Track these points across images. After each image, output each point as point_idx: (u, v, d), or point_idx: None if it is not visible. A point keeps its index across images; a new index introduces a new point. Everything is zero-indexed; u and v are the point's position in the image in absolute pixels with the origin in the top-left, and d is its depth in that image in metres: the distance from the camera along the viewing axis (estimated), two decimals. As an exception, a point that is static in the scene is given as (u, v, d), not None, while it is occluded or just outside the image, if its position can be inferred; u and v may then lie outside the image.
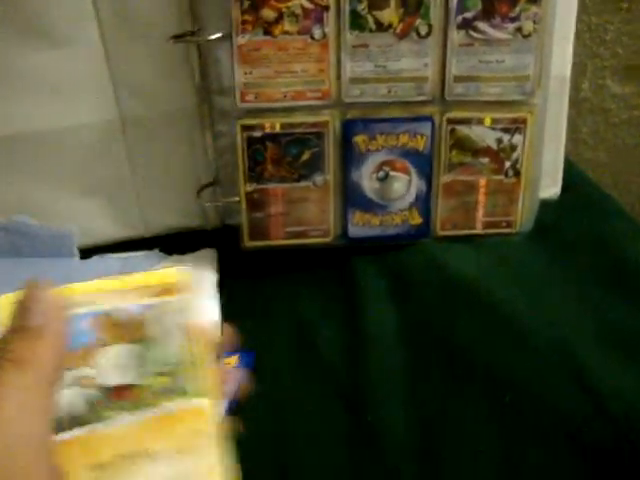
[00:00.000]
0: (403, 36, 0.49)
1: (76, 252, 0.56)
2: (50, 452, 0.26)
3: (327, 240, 0.53)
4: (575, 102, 0.79)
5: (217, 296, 0.52)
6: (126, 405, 0.30)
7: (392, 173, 0.52)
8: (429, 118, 0.52)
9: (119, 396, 0.30)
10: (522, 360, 0.48)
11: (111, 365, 0.30)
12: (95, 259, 0.56)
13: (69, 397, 0.29)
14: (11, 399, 0.25)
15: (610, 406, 0.45)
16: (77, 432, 0.29)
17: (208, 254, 0.56)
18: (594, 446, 0.43)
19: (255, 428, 0.35)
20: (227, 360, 0.37)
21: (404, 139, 0.52)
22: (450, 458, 0.42)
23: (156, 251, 0.56)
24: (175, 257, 0.56)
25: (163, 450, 0.29)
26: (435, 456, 0.42)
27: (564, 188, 0.61)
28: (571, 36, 0.55)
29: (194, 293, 0.33)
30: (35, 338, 0.27)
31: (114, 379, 0.30)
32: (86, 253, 0.56)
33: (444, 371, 0.47)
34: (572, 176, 0.63)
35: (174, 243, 0.57)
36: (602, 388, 0.46)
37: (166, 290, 0.33)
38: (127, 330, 0.31)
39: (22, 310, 0.28)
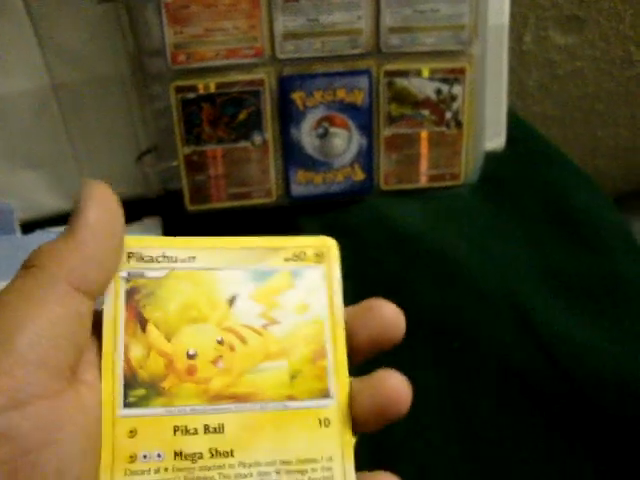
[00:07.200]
0: (334, -12, 0.49)
1: (17, 227, 0.54)
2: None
3: (270, 200, 0.53)
4: (519, 55, 0.79)
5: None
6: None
7: (332, 129, 0.52)
8: (366, 71, 0.51)
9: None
10: (470, 307, 0.48)
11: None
12: (38, 233, 0.54)
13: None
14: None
15: (554, 349, 0.45)
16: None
17: (152, 222, 0.55)
18: (539, 389, 0.44)
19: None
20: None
21: (342, 94, 0.51)
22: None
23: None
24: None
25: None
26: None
27: (510, 141, 0.61)
28: (506, -17, 0.55)
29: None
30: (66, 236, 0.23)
31: None
32: (28, 227, 0.55)
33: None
34: (518, 129, 0.63)
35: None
36: (547, 332, 0.46)
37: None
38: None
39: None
